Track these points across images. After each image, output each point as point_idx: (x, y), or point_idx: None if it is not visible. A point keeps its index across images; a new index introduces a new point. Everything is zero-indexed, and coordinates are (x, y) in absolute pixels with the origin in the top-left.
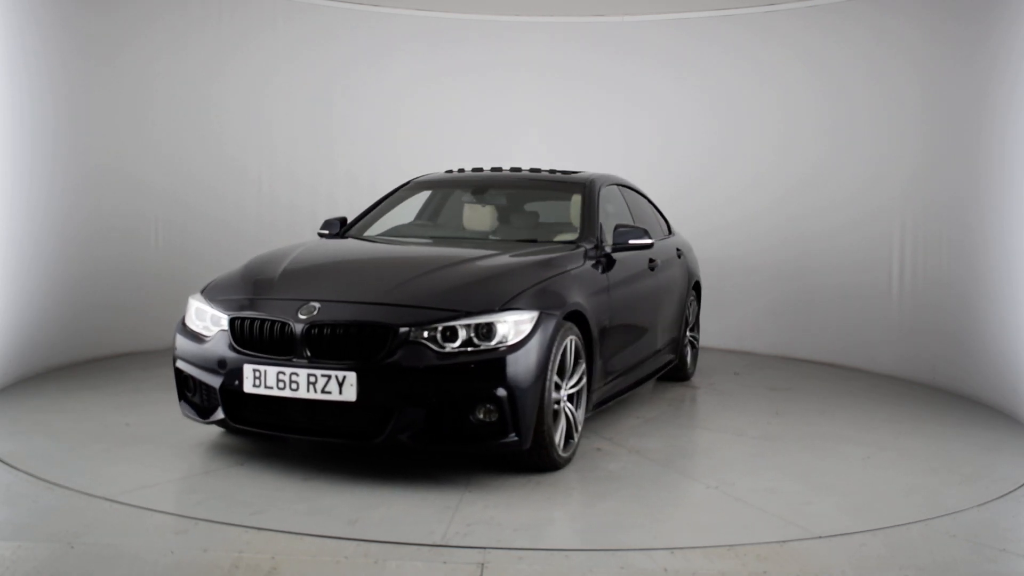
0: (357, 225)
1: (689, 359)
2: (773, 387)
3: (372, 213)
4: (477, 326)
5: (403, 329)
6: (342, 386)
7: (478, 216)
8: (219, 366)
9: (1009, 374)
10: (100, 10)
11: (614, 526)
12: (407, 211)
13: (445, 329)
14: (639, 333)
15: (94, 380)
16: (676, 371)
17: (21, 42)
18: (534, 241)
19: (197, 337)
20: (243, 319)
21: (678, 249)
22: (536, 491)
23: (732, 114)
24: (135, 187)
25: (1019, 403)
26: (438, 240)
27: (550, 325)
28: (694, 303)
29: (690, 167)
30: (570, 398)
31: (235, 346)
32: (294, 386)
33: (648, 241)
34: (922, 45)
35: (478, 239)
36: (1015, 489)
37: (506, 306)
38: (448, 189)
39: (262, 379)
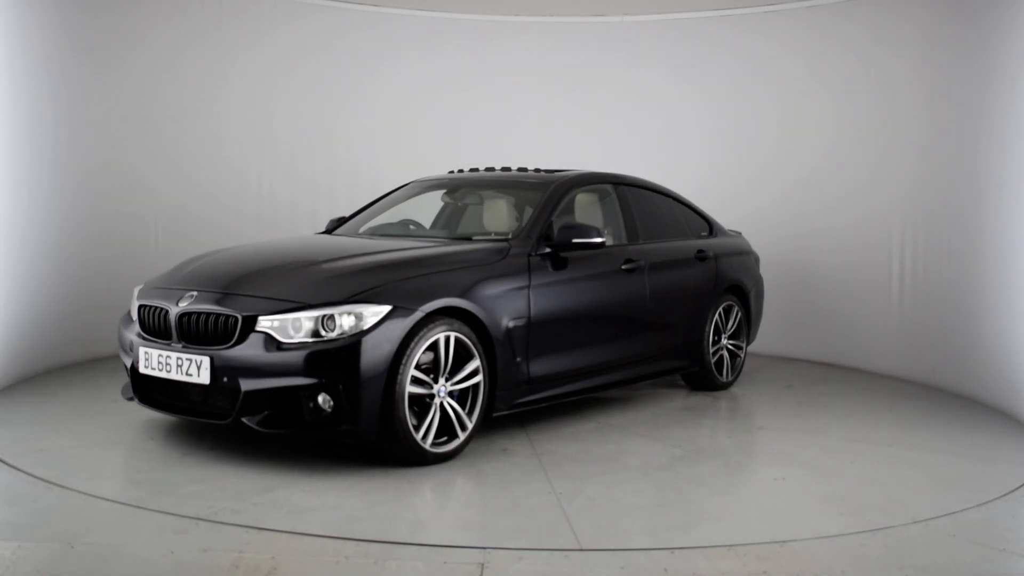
0: (349, 223)
1: (726, 367)
2: (802, 401)
3: (367, 211)
4: (321, 318)
5: (249, 318)
6: (199, 370)
7: (448, 214)
8: (129, 349)
9: (1009, 374)
10: (102, 14)
11: (390, 517)
12: (405, 210)
13: (295, 320)
14: (602, 335)
15: (94, 379)
16: (699, 379)
17: (23, 43)
18: (469, 239)
19: (128, 323)
20: (144, 306)
21: (700, 250)
22: (358, 482)
23: (732, 115)
24: (136, 189)
25: (1019, 403)
26: (389, 237)
27: (405, 319)
28: (736, 309)
29: (690, 167)
30: (463, 395)
31: (139, 330)
32: (168, 368)
33: (596, 240)
34: (922, 46)
35: (434, 237)
36: (1015, 489)
37: (352, 299)
38: (440, 189)
39: (150, 361)
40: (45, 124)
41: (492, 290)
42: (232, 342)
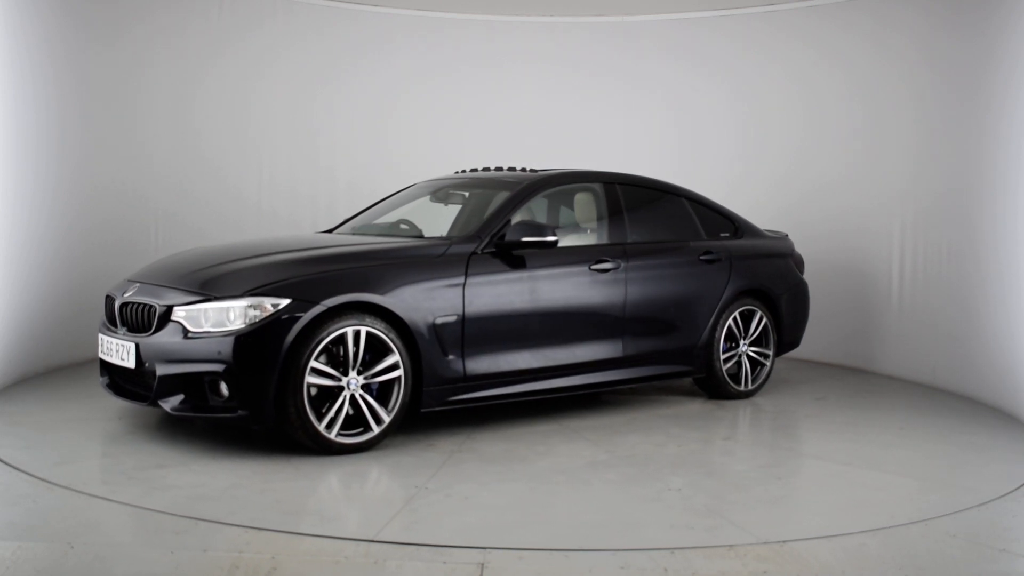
0: (349, 223)
1: (745, 375)
2: (813, 415)
3: (369, 212)
4: (223, 309)
5: (168, 308)
6: (129, 355)
7: (431, 215)
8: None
9: (1009, 374)
10: (104, 16)
11: (239, 499)
12: (406, 210)
13: (204, 311)
14: (561, 336)
15: (94, 379)
16: (712, 386)
17: (23, 41)
18: (421, 236)
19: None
20: (108, 296)
21: (708, 252)
22: (240, 466)
23: (732, 114)
24: (136, 191)
25: (1019, 403)
26: (368, 235)
27: (304, 312)
28: (760, 314)
29: (687, 166)
30: (381, 389)
31: (103, 319)
32: (111, 353)
33: (549, 239)
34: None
35: (407, 235)
36: (1015, 489)
37: (252, 292)
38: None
39: (103, 346)
40: (49, 130)
41: (417, 286)
42: (152, 330)
